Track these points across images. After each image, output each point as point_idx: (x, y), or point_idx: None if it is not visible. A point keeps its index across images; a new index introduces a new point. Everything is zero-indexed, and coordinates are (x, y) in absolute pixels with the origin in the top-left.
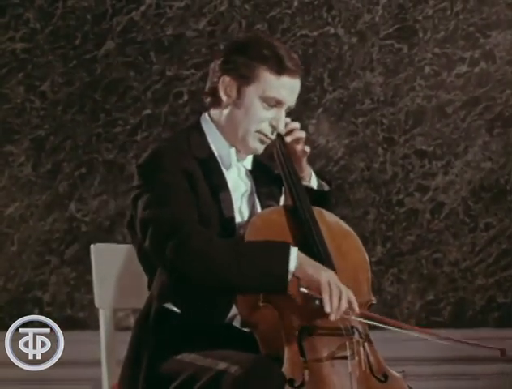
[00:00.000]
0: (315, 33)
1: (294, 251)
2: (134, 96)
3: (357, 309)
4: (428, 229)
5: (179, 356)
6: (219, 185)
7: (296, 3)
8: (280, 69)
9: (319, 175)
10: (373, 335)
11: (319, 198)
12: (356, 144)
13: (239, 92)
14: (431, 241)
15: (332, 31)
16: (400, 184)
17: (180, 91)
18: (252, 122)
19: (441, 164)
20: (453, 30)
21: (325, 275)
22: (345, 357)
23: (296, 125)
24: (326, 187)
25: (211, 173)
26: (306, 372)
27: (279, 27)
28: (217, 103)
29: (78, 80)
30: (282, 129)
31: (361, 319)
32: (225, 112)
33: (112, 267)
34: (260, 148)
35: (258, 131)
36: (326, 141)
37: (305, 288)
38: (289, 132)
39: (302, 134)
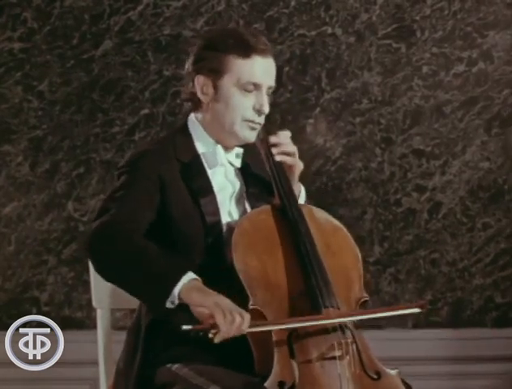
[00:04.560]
0: (313, 33)
1: (188, 277)
2: (131, 95)
3: (244, 330)
4: (426, 229)
5: (174, 368)
6: (203, 190)
7: (293, 3)
8: (247, 51)
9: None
10: (372, 334)
11: None
12: (354, 144)
13: (215, 88)
14: (429, 240)
15: (330, 30)
16: (398, 184)
17: (177, 90)
18: (235, 112)
19: (439, 163)
20: (451, 30)
21: (211, 300)
22: (336, 357)
23: (291, 148)
24: None
25: (194, 178)
26: (296, 373)
27: (276, 27)
28: (198, 105)
29: (75, 80)
30: (267, 110)
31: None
32: (207, 110)
33: None
34: (251, 136)
35: (245, 120)
36: (324, 141)
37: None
38: (280, 150)
39: (293, 149)
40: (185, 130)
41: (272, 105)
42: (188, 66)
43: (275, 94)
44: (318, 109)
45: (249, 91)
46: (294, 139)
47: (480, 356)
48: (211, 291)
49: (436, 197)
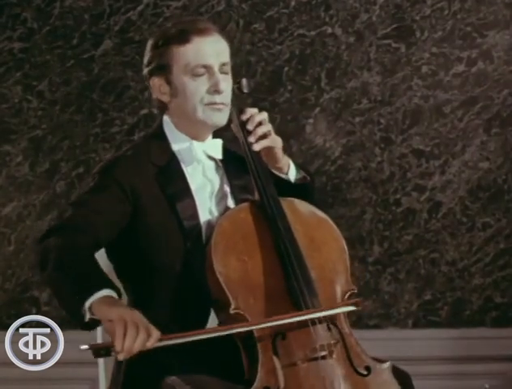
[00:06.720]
0: (312, 33)
1: (102, 293)
2: (131, 95)
3: (150, 346)
4: (426, 229)
5: (161, 377)
6: (179, 193)
7: (293, 3)
8: (185, 36)
9: (304, 169)
10: (372, 334)
11: (299, 190)
12: (354, 144)
13: (169, 84)
14: (428, 240)
15: (330, 30)
16: (397, 183)
17: None
18: (193, 99)
19: (439, 163)
20: (450, 30)
21: (116, 312)
22: (318, 358)
23: (259, 116)
24: (307, 178)
25: (171, 181)
26: (281, 378)
27: (276, 27)
28: (165, 106)
29: (75, 80)
30: (223, 88)
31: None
32: (172, 109)
33: (108, 266)
34: (218, 118)
35: (205, 104)
36: (324, 140)
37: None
38: (255, 136)
39: (267, 129)
40: (161, 132)
41: (272, 105)
42: (143, 73)
43: (275, 94)
44: (318, 109)
45: (201, 75)
46: (294, 139)
47: (479, 356)
48: (121, 304)
49: (435, 197)
